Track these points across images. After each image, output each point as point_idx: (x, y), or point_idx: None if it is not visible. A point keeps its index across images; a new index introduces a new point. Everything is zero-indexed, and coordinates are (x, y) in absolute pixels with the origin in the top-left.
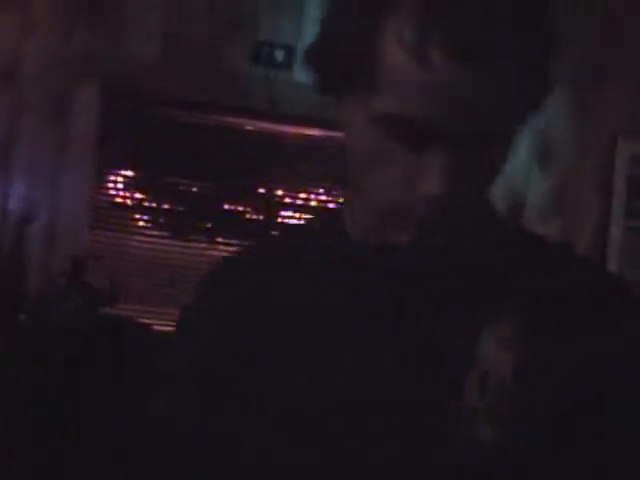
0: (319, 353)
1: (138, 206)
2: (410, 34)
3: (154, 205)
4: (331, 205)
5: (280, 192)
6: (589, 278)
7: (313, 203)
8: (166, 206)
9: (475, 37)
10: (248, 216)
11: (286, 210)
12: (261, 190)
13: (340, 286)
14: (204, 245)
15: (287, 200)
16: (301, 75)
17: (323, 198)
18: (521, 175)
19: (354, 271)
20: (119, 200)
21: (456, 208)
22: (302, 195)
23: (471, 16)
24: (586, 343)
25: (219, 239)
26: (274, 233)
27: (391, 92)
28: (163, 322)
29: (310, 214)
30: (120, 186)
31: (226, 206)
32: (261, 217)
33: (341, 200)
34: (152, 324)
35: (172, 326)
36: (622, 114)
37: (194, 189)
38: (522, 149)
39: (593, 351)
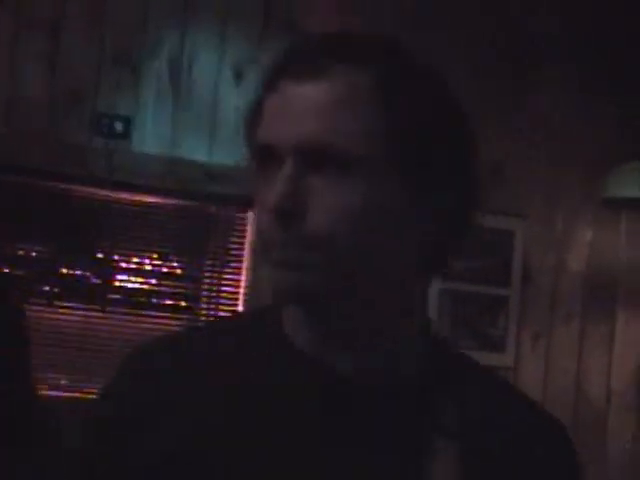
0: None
1: None
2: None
3: None
4: (165, 270)
5: (116, 257)
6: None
7: (148, 267)
8: (5, 270)
9: (310, 65)
10: (86, 280)
11: (122, 274)
12: (99, 255)
13: (281, 399)
14: (42, 308)
15: (123, 264)
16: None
17: (157, 263)
18: None
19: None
20: None
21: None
22: (136, 260)
23: (309, 54)
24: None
25: (57, 302)
26: (113, 296)
27: (259, 127)
28: None
29: (145, 277)
30: None
31: (64, 270)
32: (99, 281)
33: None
34: None
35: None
36: None
37: (33, 253)
38: None
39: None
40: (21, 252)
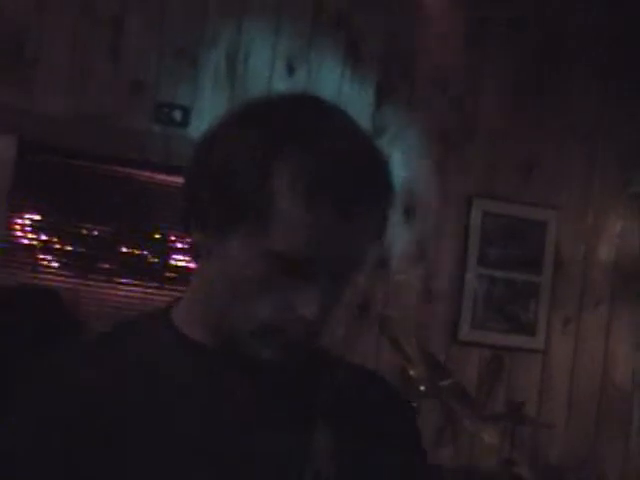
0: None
1: (43, 247)
2: (302, 184)
3: (58, 246)
4: None
5: (173, 237)
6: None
7: None
8: (69, 247)
9: (356, 195)
10: (144, 259)
11: (178, 254)
12: (157, 235)
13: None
14: (102, 284)
15: (179, 245)
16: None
17: None
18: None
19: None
20: (25, 241)
21: (319, 331)
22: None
23: (351, 177)
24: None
25: (117, 279)
26: (169, 274)
27: (281, 233)
28: None
29: None
30: (27, 229)
31: (124, 249)
32: (156, 260)
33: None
34: None
35: None
36: (477, 175)
37: (95, 232)
38: None
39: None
40: (84, 231)
